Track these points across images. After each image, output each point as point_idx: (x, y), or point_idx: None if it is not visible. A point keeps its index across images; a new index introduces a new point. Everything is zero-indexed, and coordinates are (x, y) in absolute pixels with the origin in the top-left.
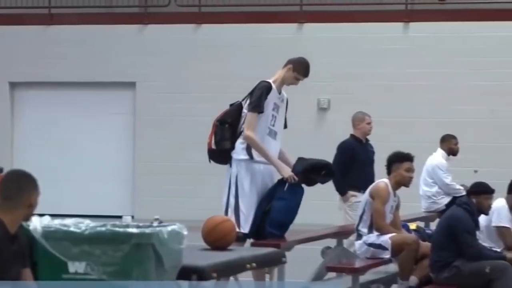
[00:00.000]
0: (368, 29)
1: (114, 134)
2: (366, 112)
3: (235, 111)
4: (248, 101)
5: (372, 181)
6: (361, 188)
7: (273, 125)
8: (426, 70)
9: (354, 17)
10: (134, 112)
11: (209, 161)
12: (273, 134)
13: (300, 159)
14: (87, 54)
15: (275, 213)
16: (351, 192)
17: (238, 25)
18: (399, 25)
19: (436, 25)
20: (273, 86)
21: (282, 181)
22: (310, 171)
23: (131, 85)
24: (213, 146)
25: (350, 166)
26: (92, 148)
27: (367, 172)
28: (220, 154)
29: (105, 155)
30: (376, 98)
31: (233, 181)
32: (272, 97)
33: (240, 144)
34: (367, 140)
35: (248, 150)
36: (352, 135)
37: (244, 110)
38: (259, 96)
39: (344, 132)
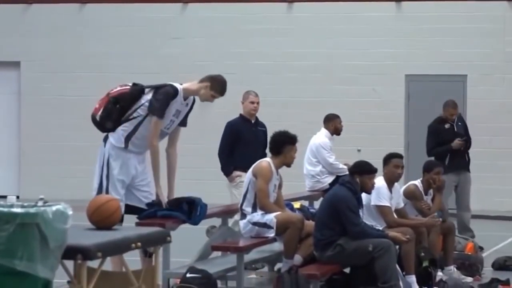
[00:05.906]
0: (252, 9)
1: None
2: None
3: (134, 96)
4: (151, 98)
5: None
6: (247, 168)
7: (168, 129)
8: (309, 50)
9: None
10: (19, 91)
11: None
12: (163, 135)
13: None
14: None
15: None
16: (236, 172)
17: (122, 4)
18: (282, 5)
19: (319, 5)
20: (180, 93)
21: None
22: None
23: (16, 64)
24: (97, 118)
25: (235, 145)
26: None
27: (255, 152)
28: (99, 126)
29: None
30: (259, 78)
31: (105, 162)
32: (175, 104)
33: (121, 130)
34: (257, 119)
35: (127, 140)
36: (240, 114)
37: (142, 100)
38: (163, 102)
39: (229, 112)
